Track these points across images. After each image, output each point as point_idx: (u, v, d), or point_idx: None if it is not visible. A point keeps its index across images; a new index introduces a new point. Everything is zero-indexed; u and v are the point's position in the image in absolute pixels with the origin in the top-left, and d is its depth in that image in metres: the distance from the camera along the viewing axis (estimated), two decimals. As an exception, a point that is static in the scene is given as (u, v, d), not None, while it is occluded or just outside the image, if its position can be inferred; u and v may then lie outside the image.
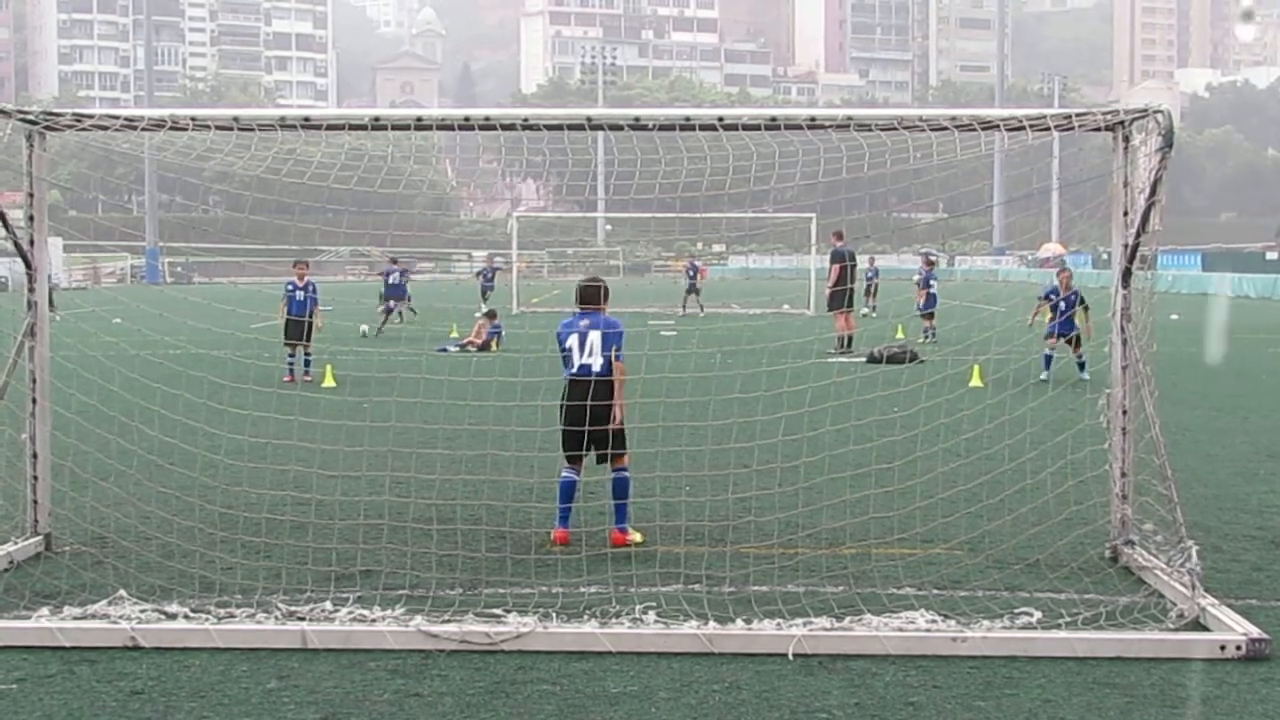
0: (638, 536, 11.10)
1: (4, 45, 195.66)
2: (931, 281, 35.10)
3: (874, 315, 45.46)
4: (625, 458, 11.16)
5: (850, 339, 29.85)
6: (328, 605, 8.82)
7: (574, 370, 11.10)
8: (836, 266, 31.27)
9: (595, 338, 11.16)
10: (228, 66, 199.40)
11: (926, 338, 33.68)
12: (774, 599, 9.12)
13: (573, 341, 11.19)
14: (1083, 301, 23.84)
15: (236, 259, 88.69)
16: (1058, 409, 12.34)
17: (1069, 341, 23.82)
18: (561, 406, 11.15)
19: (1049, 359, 23.40)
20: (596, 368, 11.05)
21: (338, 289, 40.59)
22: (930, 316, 34.46)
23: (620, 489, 11.10)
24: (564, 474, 11.20)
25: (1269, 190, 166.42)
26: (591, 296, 11.45)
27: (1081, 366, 23.79)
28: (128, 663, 7.98)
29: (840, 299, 30.54)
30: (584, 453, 11.12)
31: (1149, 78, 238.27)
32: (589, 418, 10.85)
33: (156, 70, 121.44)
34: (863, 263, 45.07)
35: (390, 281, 39.25)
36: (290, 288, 24.80)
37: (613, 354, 11.13)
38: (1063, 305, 24.05)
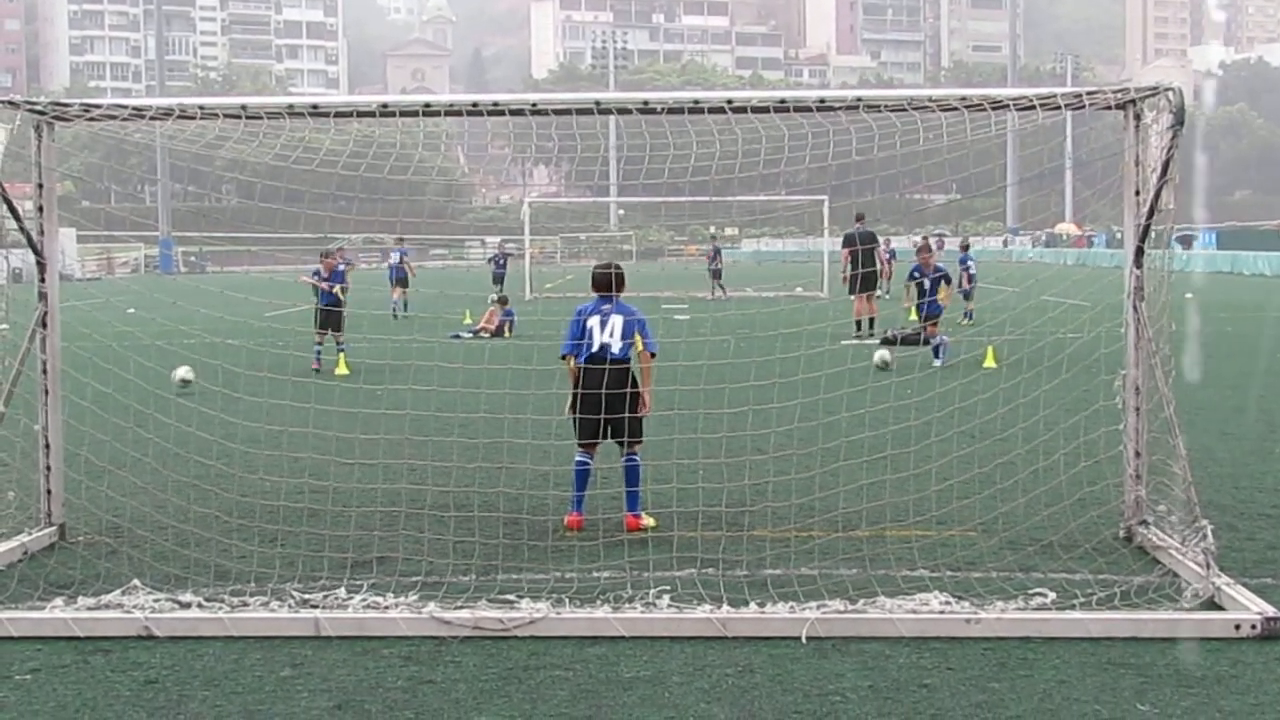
0: (651, 521, 11.09)
1: (15, 37, 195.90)
2: (968, 262, 34.80)
3: (887, 296, 45.32)
4: (639, 443, 11.15)
5: (871, 322, 29.64)
6: (341, 593, 8.82)
7: (594, 350, 11.01)
8: (846, 251, 31.13)
9: (617, 321, 11.11)
10: (238, 55, 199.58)
11: (966, 319, 33.36)
12: (789, 581, 9.11)
13: (593, 322, 11.11)
14: (946, 277, 24.02)
15: (250, 248, 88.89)
16: (1072, 390, 12.28)
17: (934, 323, 23.41)
18: (576, 394, 11.03)
19: (939, 346, 22.91)
20: (615, 350, 11.00)
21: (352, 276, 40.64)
22: (968, 297, 34.04)
23: (632, 474, 11.07)
24: (578, 459, 11.18)
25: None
26: (609, 283, 11.34)
27: (937, 352, 22.79)
28: (142, 652, 8.00)
29: (856, 282, 30.30)
30: (601, 439, 11.10)
31: (1162, 56, 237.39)
32: (609, 403, 10.82)
33: (167, 60, 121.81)
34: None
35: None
36: (317, 277, 24.88)
37: (636, 340, 11.11)
38: (927, 284, 23.86)
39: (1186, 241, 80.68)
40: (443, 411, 13.84)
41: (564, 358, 11.35)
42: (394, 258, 42.33)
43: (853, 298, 30.97)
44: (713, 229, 64.25)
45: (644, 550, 10.04)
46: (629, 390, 10.90)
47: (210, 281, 59.73)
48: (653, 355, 11.32)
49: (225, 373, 14.44)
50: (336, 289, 24.84)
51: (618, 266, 11.55)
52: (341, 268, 25.18)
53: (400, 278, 41.46)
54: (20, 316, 10.73)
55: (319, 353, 24.20)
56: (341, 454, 12.61)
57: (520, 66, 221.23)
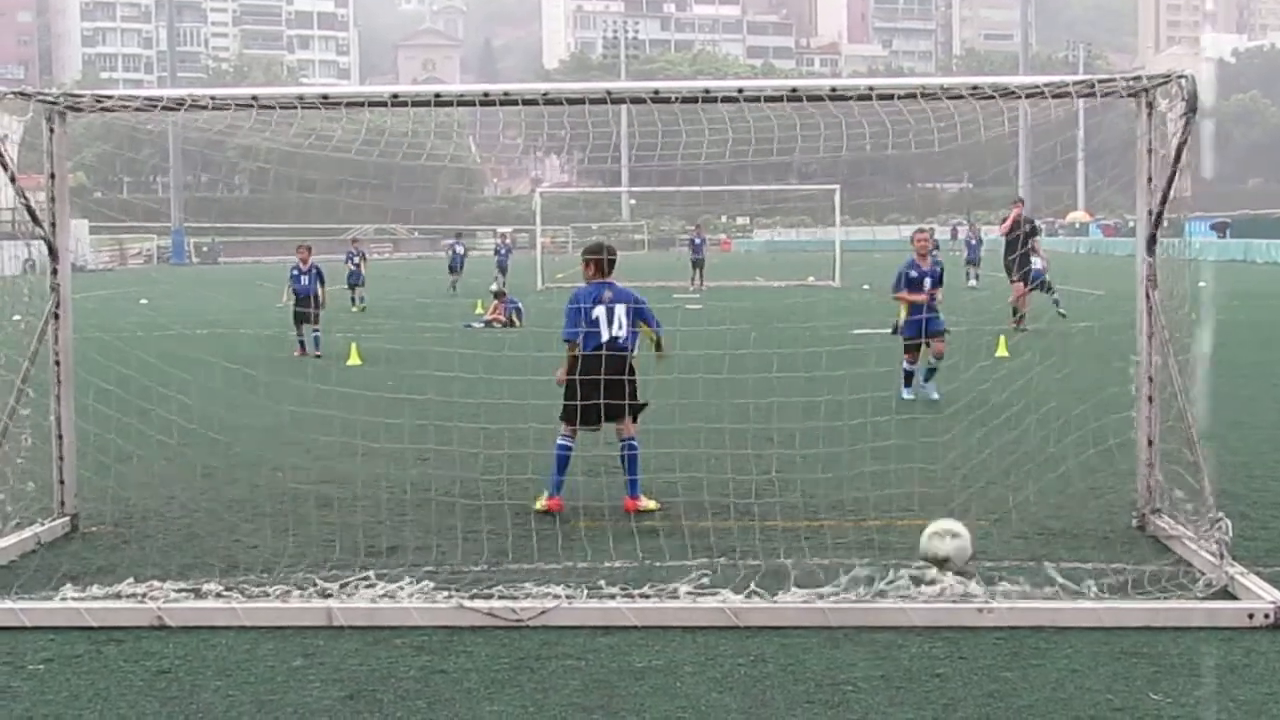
0: (652, 504, 11.13)
1: (27, 29, 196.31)
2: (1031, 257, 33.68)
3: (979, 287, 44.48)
4: (634, 425, 11.20)
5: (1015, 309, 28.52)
6: (353, 582, 8.82)
7: (602, 340, 11.06)
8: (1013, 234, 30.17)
9: (621, 310, 11.13)
10: (250, 46, 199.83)
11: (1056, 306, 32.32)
12: (800, 571, 9.08)
13: (599, 312, 11.10)
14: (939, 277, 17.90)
15: (262, 238, 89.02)
16: (1084, 378, 12.26)
17: (929, 341, 17.05)
18: (576, 380, 10.98)
19: (910, 374, 17.45)
20: (623, 340, 11.08)
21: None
22: (1045, 287, 30.25)
23: (633, 462, 11.23)
24: (561, 442, 11.27)
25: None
26: (605, 266, 11.42)
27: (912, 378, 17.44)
28: (154, 642, 8.00)
29: (1012, 267, 29.19)
30: (600, 425, 11.18)
31: (1175, 44, 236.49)
32: (611, 390, 10.84)
33: (179, 51, 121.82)
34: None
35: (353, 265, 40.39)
36: (294, 271, 25.15)
37: (646, 327, 11.32)
38: (928, 283, 17.60)
39: (1221, 228, 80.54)
40: (456, 400, 13.83)
41: (568, 343, 11.34)
42: (459, 249, 52.19)
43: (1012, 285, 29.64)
44: (697, 224, 64.20)
45: (656, 540, 10.03)
46: (628, 377, 11.01)
47: (222, 272, 59.80)
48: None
49: (237, 362, 14.46)
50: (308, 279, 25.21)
51: (610, 249, 11.60)
52: (316, 265, 25.52)
53: (456, 266, 50.70)
54: (33, 307, 10.74)
55: (301, 340, 24.99)
56: (354, 442, 12.61)
57: (531, 57, 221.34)
